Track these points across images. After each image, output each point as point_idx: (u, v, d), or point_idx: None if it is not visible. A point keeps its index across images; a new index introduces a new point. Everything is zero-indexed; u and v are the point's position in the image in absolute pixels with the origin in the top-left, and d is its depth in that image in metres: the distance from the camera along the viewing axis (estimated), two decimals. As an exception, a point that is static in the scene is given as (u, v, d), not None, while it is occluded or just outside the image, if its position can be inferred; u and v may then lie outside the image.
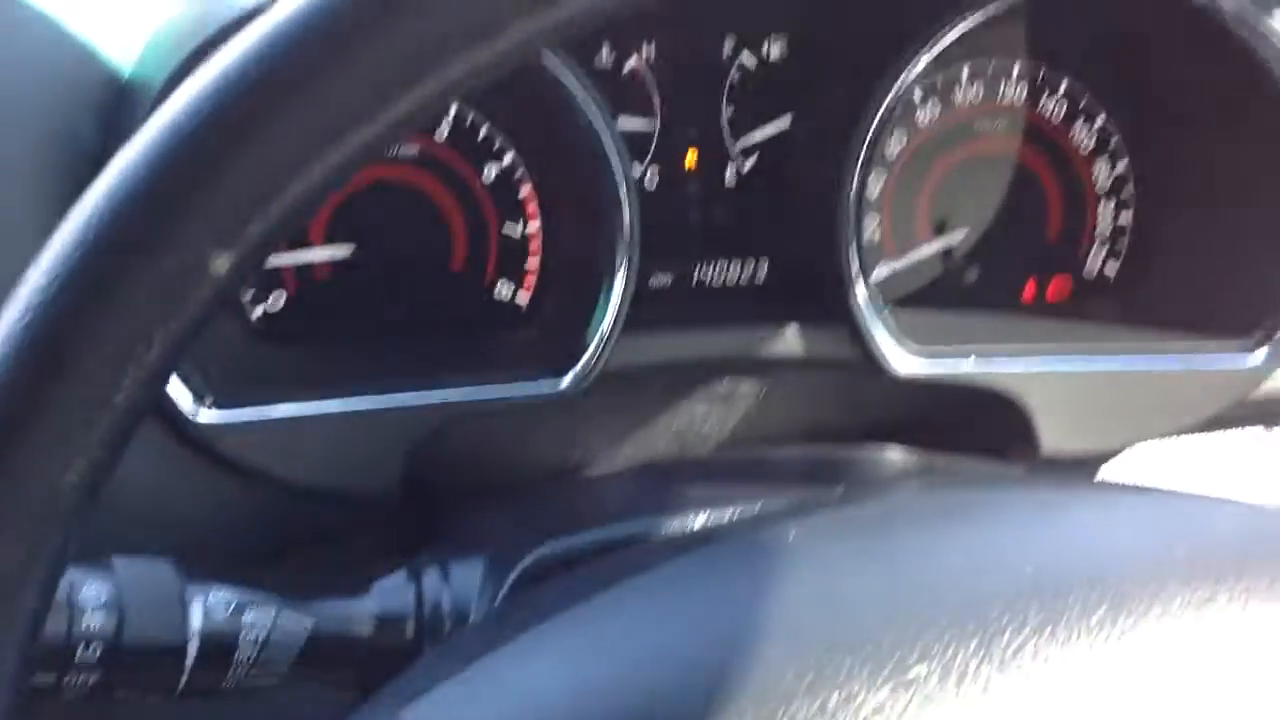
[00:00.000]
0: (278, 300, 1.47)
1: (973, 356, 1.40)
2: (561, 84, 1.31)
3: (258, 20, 0.55)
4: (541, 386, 1.33)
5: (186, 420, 1.22)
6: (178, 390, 1.21)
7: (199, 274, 0.56)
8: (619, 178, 1.32)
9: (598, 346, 1.33)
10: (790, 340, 1.41)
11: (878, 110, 1.34)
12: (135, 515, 1.24)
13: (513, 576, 0.97)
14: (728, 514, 0.96)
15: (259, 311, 1.47)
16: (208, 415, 1.23)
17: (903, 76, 1.34)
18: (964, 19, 1.33)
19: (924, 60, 1.35)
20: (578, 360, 1.33)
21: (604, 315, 1.33)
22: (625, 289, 1.33)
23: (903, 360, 1.39)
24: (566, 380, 1.33)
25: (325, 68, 0.54)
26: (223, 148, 0.54)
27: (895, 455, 1.31)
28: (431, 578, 1.01)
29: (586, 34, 1.28)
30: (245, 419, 1.25)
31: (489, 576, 0.99)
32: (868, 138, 1.35)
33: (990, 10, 1.34)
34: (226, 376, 1.32)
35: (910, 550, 0.79)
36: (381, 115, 0.56)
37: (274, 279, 1.47)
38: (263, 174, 0.56)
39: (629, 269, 1.33)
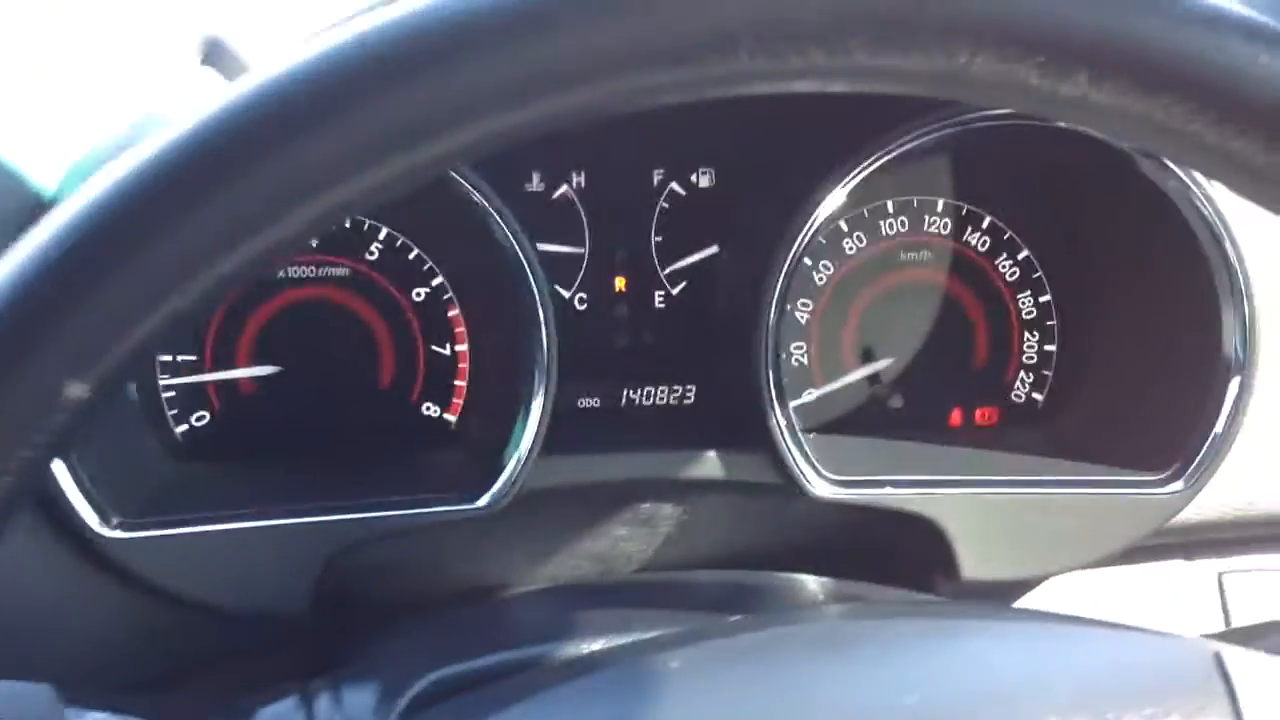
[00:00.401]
0: (202, 418, 1.48)
1: (890, 481, 1.40)
2: (487, 209, 1.33)
3: (115, 164, 0.57)
4: (459, 506, 1.33)
5: (91, 537, 1.21)
6: (82, 507, 1.21)
7: (53, 401, 0.57)
8: (539, 302, 1.33)
9: (516, 467, 1.33)
10: (712, 463, 1.42)
11: (796, 239, 1.37)
12: (35, 631, 1.23)
13: (404, 702, 0.95)
14: (624, 639, 0.95)
15: (183, 428, 1.47)
16: (113, 533, 1.22)
17: (821, 207, 1.37)
18: (883, 153, 1.36)
19: (843, 192, 1.38)
20: (496, 480, 1.33)
21: (522, 436, 1.33)
22: (544, 410, 1.34)
23: (822, 485, 1.39)
24: (484, 500, 1.33)
25: (174, 216, 0.55)
26: (76, 283, 0.55)
27: (808, 582, 1.31)
28: (323, 703, 1.00)
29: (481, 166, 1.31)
30: (153, 535, 1.24)
31: (382, 701, 0.97)
32: (785, 266, 1.37)
33: (911, 145, 1.37)
34: (141, 494, 1.32)
35: (793, 678, 0.79)
36: (229, 258, 0.58)
37: (199, 397, 1.47)
38: (115, 309, 0.57)
39: (547, 391, 1.34)
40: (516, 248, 1.33)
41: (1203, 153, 0.66)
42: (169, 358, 1.45)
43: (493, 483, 1.33)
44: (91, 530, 1.21)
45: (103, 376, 0.58)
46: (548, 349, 1.33)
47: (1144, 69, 0.63)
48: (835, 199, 1.37)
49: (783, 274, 1.37)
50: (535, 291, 1.33)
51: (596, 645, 0.98)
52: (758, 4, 0.60)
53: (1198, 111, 0.64)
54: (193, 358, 1.46)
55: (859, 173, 1.36)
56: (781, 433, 1.38)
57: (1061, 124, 1.33)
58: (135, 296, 0.57)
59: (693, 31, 0.60)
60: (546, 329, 1.33)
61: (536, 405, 1.33)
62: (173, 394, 1.46)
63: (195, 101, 0.57)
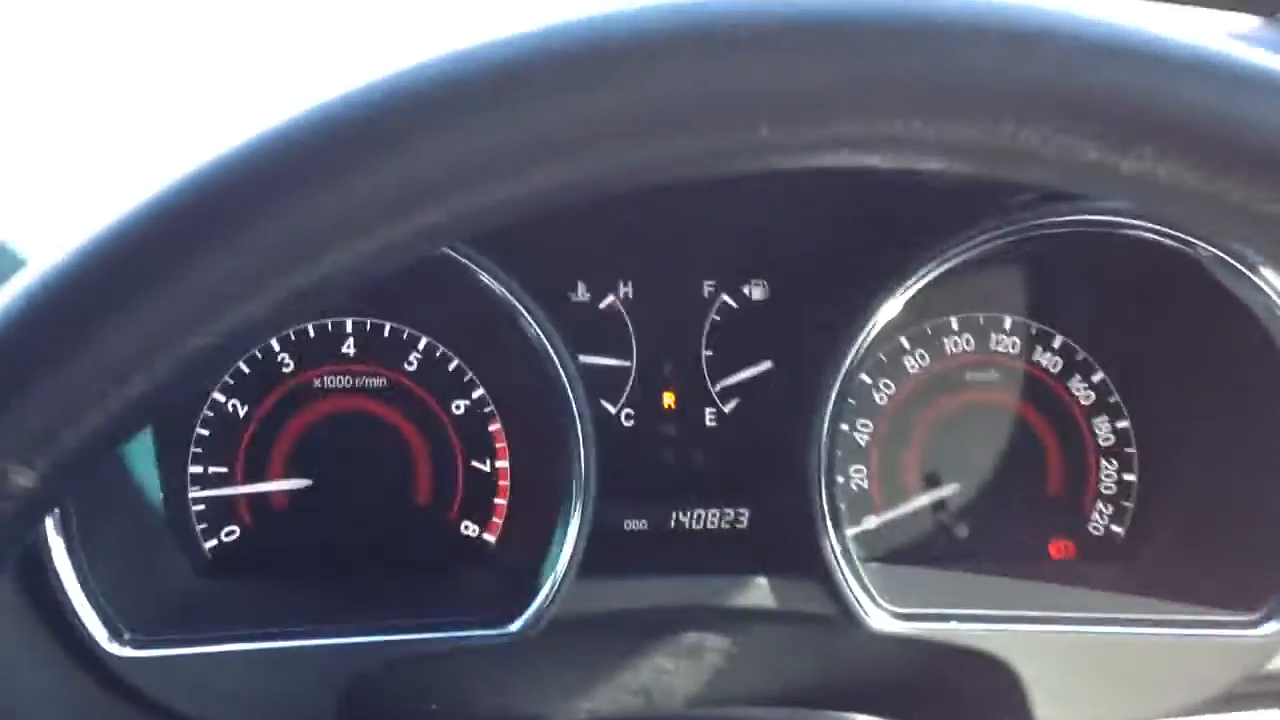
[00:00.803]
0: (231, 533, 1.42)
1: (954, 615, 1.30)
2: (527, 320, 1.27)
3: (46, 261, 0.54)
4: (491, 630, 1.25)
5: (101, 654, 1.15)
6: (92, 621, 1.15)
7: None
8: (578, 418, 1.27)
9: (551, 590, 1.25)
10: (762, 591, 1.33)
11: (850, 352, 1.29)
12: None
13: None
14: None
15: (212, 543, 1.41)
16: (124, 650, 1.16)
17: (877, 318, 1.30)
18: (942, 260, 1.29)
19: (900, 302, 1.30)
20: (530, 604, 1.25)
21: (558, 558, 1.26)
22: (580, 532, 1.26)
23: (880, 617, 1.29)
24: (516, 625, 1.25)
25: (95, 322, 0.53)
26: (15, 366, 0.52)
27: (863, 723, 1.20)
28: None
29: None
30: (166, 654, 1.17)
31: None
32: (839, 382, 1.29)
33: (970, 253, 1.29)
34: (161, 611, 1.25)
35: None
36: (179, 345, 0.54)
37: (229, 511, 1.42)
38: (61, 394, 0.53)
39: (585, 511, 1.26)
40: (556, 360, 1.27)
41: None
42: (199, 469, 1.40)
43: (526, 607, 1.25)
44: (101, 647, 1.15)
45: (52, 465, 0.53)
46: (586, 468, 1.26)
47: (1214, 142, 0.57)
48: (891, 309, 1.30)
49: (835, 389, 1.29)
50: (574, 407, 1.27)
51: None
52: (781, 73, 0.55)
53: (1273, 189, 0.58)
54: (224, 470, 1.41)
55: (916, 281, 1.29)
56: (836, 560, 1.29)
57: (1132, 231, 1.26)
58: (81, 383, 0.53)
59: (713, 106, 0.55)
60: (585, 447, 1.26)
61: (573, 526, 1.26)
62: (202, 507, 1.41)
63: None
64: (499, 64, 0.55)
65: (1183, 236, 1.26)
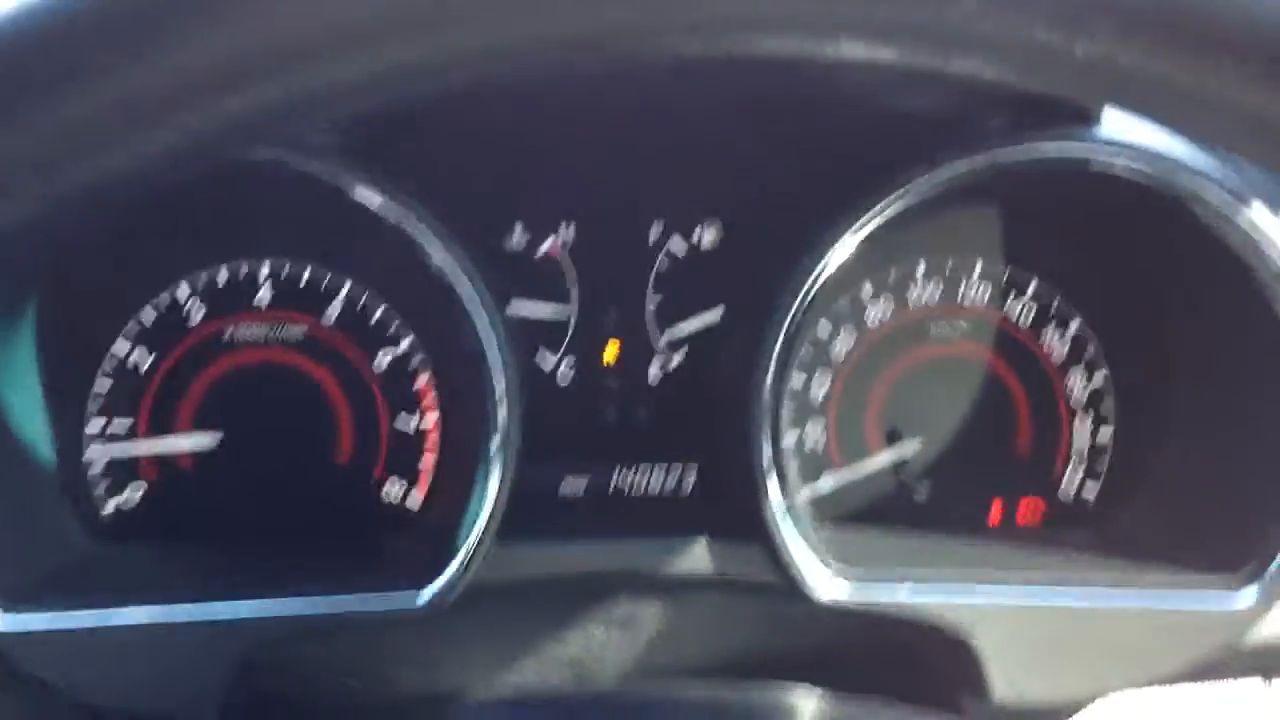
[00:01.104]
0: (134, 493, 1.32)
1: (908, 584, 1.20)
2: (451, 264, 1.17)
3: None
4: (400, 600, 1.15)
5: None
6: None
7: None
8: (497, 372, 1.16)
9: (467, 555, 1.16)
10: (700, 556, 1.24)
11: (798, 295, 1.18)
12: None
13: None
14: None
15: (110, 507, 1.31)
16: None
17: (829, 257, 1.19)
18: (899, 193, 1.18)
19: (854, 239, 1.19)
20: (443, 571, 1.15)
21: (475, 521, 1.15)
22: (499, 492, 1.16)
23: (826, 585, 1.19)
24: (426, 594, 1.15)
25: None
26: None
27: (810, 698, 1.10)
28: None
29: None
30: (38, 624, 1.07)
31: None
32: (785, 326, 1.19)
33: (928, 185, 1.18)
34: (45, 580, 1.15)
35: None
36: None
37: (132, 470, 1.31)
38: None
39: (503, 471, 1.16)
40: (475, 310, 1.16)
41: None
42: (99, 425, 1.30)
43: (440, 574, 1.15)
44: None
45: None
46: (506, 425, 1.16)
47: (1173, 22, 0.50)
48: (846, 248, 1.19)
49: (781, 336, 1.18)
50: (498, 359, 1.16)
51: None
52: None
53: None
54: (128, 420, 1.31)
55: (873, 217, 1.18)
56: (780, 523, 1.19)
57: (1108, 166, 1.15)
58: None
59: None
60: (505, 402, 1.16)
61: (491, 487, 1.16)
62: (101, 467, 1.30)
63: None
64: None
65: (1160, 172, 1.15)
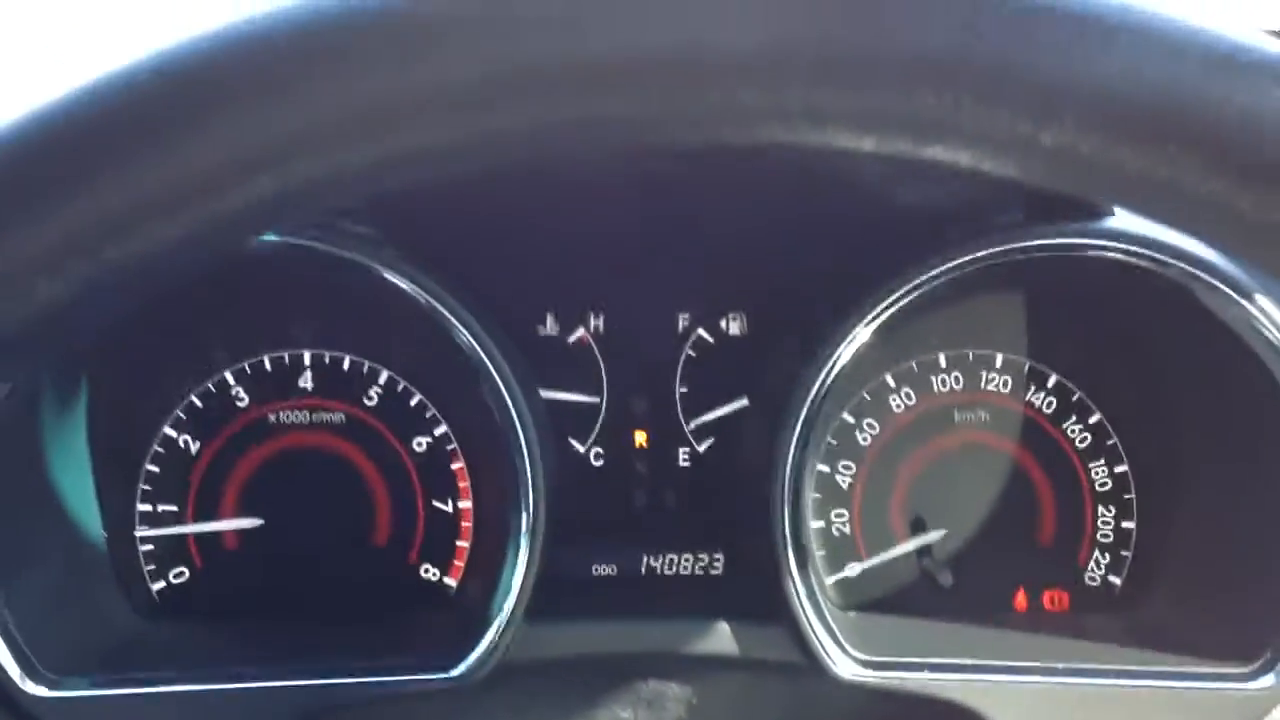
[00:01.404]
0: (180, 574, 1.37)
1: (927, 668, 1.22)
2: (479, 353, 1.22)
3: None
4: (435, 674, 1.18)
5: (13, 692, 1.10)
6: (4, 658, 1.09)
7: None
8: (526, 456, 1.21)
9: (497, 633, 1.19)
10: (724, 637, 1.27)
11: (815, 381, 1.22)
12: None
13: None
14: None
15: (160, 585, 1.36)
16: (38, 689, 1.11)
17: (846, 346, 1.23)
18: (912, 284, 1.22)
19: (868, 330, 1.23)
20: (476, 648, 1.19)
21: (505, 601, 1.19)
22: (528, 573, 1.20)
23: (847, 665, 1.22)
24: (459, 669, 1.18)
25: None
26: None
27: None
28: None
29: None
30: (85, 695, 1.12)
31: None
32: (804, 412, 1.23)
33: (942, 280, 1.22)
34: (96, 654, 1.20)
35: None
36: None
37: (179, 551, 1.37)
38: None
39: (531, 552, 1.20)
40: (507, 395, 1.21)
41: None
42: (148, 507, 1.35)
43: (472, 650, 1.19)
44: (14, 684, 1.09)
45: None
46: (534, 507, 1.20)
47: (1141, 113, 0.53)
48: (860, 338, 1.23)
49: (799, 424, 1.22)
50: (524, 444, 1.20)
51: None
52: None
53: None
54: (174, 508, 1.36)
55: (888, 307, 1.22)
56: (801, 602, 1.22)
57: (1106, 252, 1.19)
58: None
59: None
60: (532, 485, 1.20)
61: (520, 567, 1.20)
62: (150, 547, 1.36)
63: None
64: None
65: (1166, 264, 1.18)
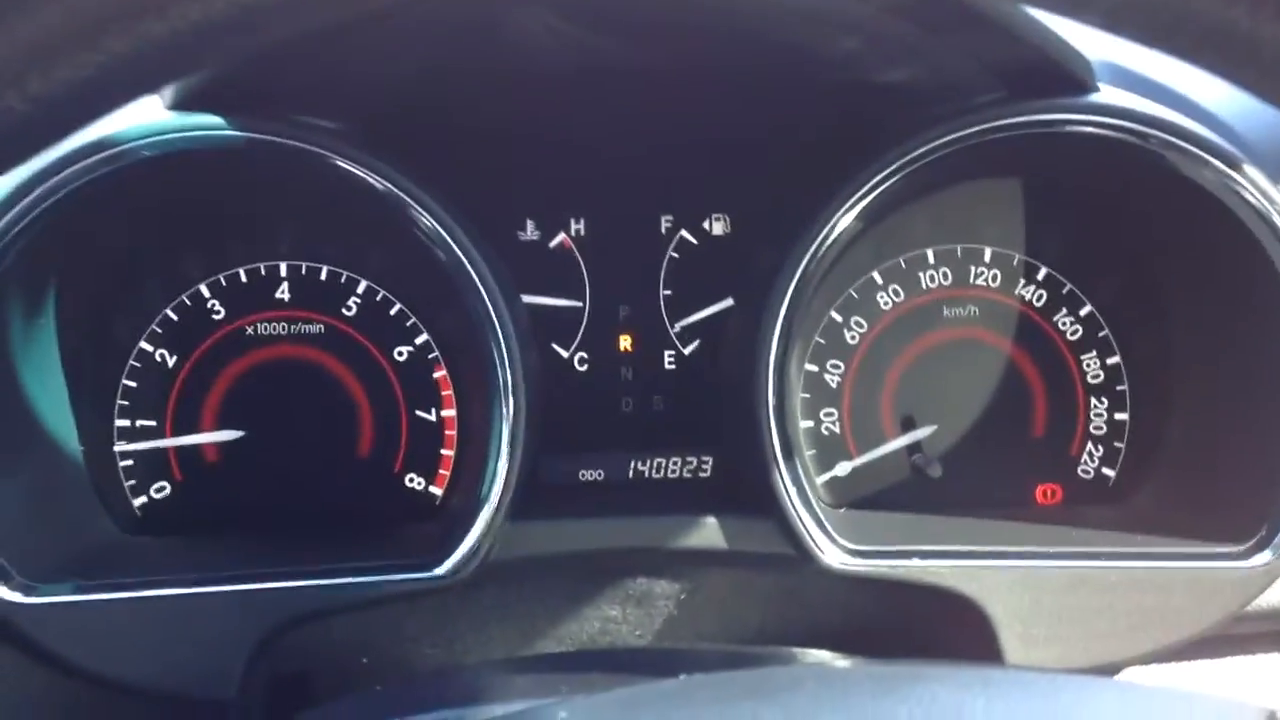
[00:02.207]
0: (162, 489, 1.35)
1: (916, 555, 1.20)
2: (459, 258, 1.19)
3: None
4: (418, 575, 1.17)
5: None
6: None
7: None
8: (507, 361, 1.19)
9: (480, 533, 1.17)
10: (712, 531, 1.25)
11: (796, 271, 1.20)
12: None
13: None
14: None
15: (141, 500, 1.35)
16: (13, 594, 1.09)
17: (826, 233, 1.20)
18: (895, 167, 1.19)
19: (850, 215, 1.21)
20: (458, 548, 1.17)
21: (487, 501, 1.18)
22: (509, 472, 1.18)
23: (835, 554, 1.20)
24: (444, 568, 1.17)
25: None
26: None
27: (819, 658, 1.11)
28: None
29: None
30: (61, 601, 1.10)
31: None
32: (785, 304, 1.20)
33: (923, 161, 1.19)
34: (73, 566, 1.18)
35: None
36: None
37: (159, 466, 1.35)
38: None
39: (513, 454, 1.18)
40: (487, 301, 1.19)
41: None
42: (126, 422, 1.33)
43: (455, 550, 1.17)
44: None
45: None
46: (515, 412, 1.18)
47: None
48: (841, 225, 1.21)
49: (781, 315, 1.20)
50: (505, 348, 1.18)
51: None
52: None
53: None
54: (153, 423, 1.34)
55: (866, 192, 1.20)
56: (788, 490, 1.20)
57: (1086, 126, 1.17)
58: None
59: None
60: (514, 390, 1.18)
61: (500, 467, 1.18)
62: (130, 462, 1.34)
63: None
64: None
65: (1155, 139, 1.16)
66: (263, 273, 1.35)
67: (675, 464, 1.39)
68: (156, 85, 0.56)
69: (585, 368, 1.40)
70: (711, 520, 1.25)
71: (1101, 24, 0.58)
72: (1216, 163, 1.15)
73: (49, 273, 1.22)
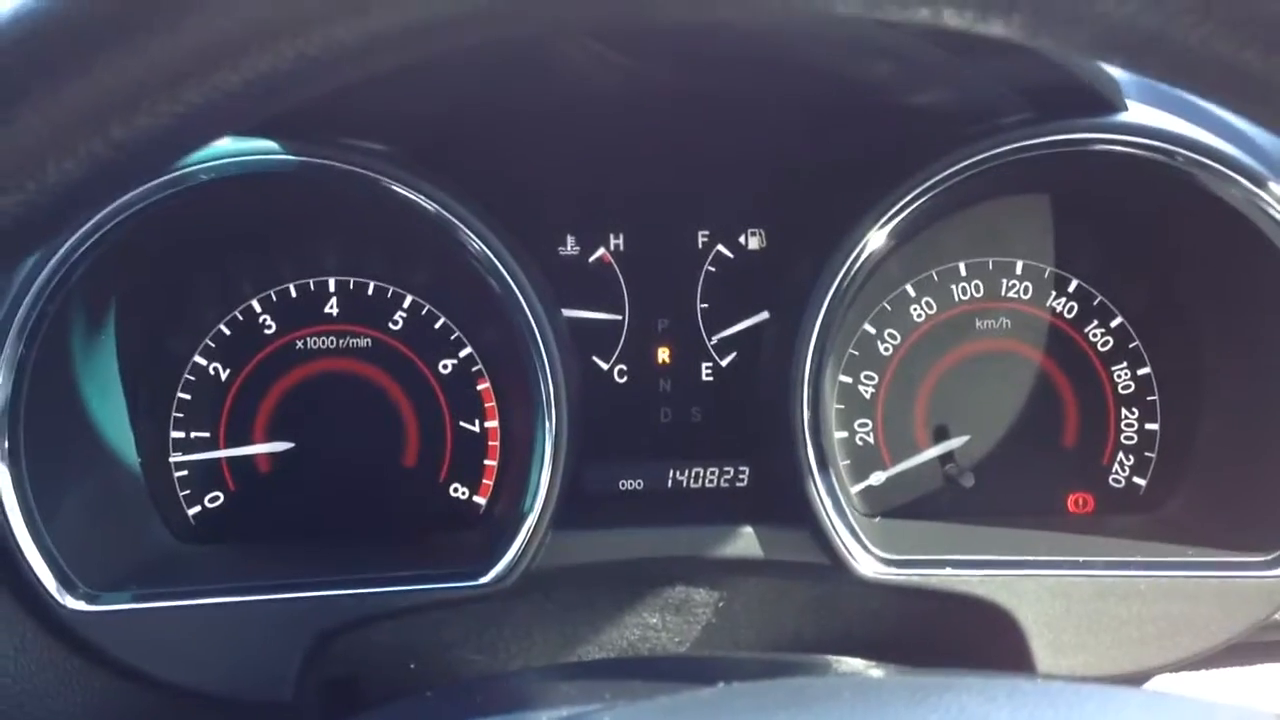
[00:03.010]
0: (215, 499, 1.40)
1: (949, 565, 1.23)
2: (503, 274, 1.23)
3: None
4: (462, 583, 1.21)
5: (53, 607, 1.13)
6: (45, 575, 1.13)
7: None
8: (549, 374, 1.22)
9: (523, 542, 1.21)
10: (749, 541, 1.28)
11: (831, 286, 1.23)
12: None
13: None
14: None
15: (195, 510, 1.39)
16: (77, 603, 1.14)
17: (860, 249, 1.24)
18: (925, 185, 1.22)
19: (883, 232, 1.24)
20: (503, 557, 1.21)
21: (530, 511, 1.21)
22: (551, 484, 1.22)
23: (870, 564, 1.23)
24: (488, 576, 1.20)
25: None
26: None
27: (854, 665, 1.14)
28: None
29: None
30: (122, 609, 1.15)
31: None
32: (819, 318, 1.23)
33: (955, 180, 1.22)
34: (131, 574, 1.23)
35: None
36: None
37: (213, 476, 1.39)
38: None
39: (555, 463, 1.22)
40: (529, 315, 1.23)
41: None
42: (181, 434, 1.38)
43: (499, 559, 1.21)
44: (52, 599, 1.13)
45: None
46: (557, 423, 1.22)
47: None
48: (875, 241, 1.24)
49: (816, 329, 1.23)
50: (547, 361, 1.22)
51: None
52: None
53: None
54: (206, 434, 1.39)
55: (899, 210, 1.23)
56: (822, 501, 1.23)
57: (1113, 145, 1.19)
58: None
59: None
60: (556, 402, 1.22)
61: (544, 478, 1.22)
62: (185, 473, 1.39)
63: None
64: None
65: (1165, 146, 1.19)
66: (312, 288, 1.40)
67: (713, 474, 1.43)
68: (230, 129, 0.60)
69: (625, 380, 1.44)
70: (748, 530, 1.28)
71: (1124, 65, 0.61)
72: (1243, 180, 1.17)
73: (110, 291, 1.27)
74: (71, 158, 0.53)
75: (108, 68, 0.53)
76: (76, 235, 1.12)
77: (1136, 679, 1.25)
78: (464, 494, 1.41)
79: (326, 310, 1.40)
